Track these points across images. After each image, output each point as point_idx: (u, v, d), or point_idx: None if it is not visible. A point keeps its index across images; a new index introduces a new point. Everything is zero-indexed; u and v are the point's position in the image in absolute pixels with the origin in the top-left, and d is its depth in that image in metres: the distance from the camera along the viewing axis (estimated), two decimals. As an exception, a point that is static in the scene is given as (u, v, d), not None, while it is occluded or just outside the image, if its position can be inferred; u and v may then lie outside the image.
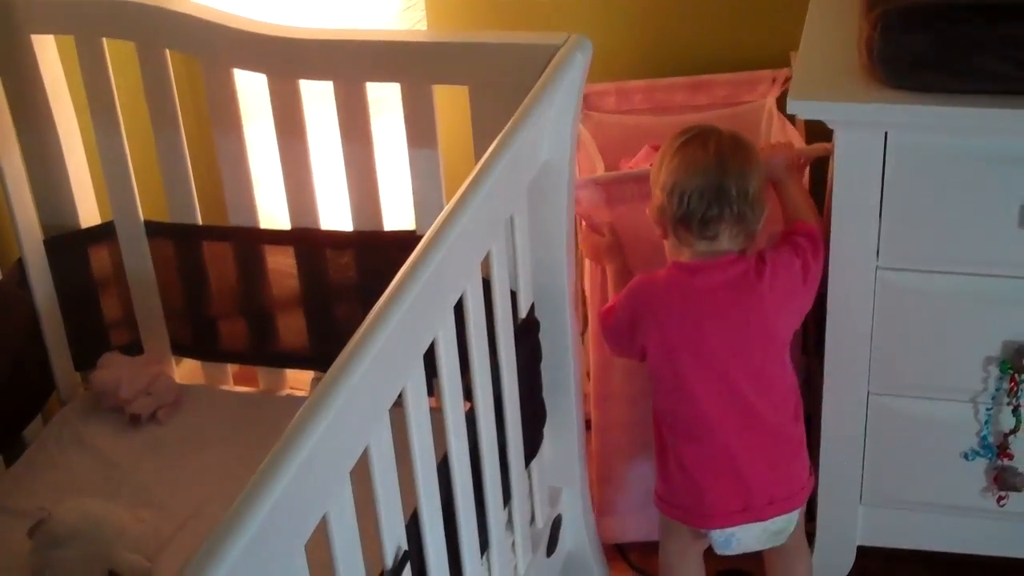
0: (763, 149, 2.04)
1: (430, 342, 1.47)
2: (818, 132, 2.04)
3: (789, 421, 1.94)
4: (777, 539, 1.99)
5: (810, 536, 2.24)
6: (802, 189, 2.02)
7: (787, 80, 2.35)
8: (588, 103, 2.43)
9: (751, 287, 1.86)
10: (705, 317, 1.87)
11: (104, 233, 2.30)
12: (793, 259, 1.89)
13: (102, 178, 2.26)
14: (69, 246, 2.28)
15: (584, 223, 2.13)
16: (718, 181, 1.82)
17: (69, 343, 2.32)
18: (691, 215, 1.83)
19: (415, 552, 1.48)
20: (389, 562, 1.42)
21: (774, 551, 2.05)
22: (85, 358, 2.33)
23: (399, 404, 1.40)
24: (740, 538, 1.96)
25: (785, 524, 1.96)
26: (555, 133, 1.82)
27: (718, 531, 1.95)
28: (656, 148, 2.28)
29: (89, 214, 2.30)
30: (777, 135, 2.25)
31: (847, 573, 2.25)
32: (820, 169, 2.20)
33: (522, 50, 1.85)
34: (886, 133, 1.83)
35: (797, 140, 2.16)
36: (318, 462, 1.16)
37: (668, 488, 1.97)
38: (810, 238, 1.91)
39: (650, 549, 2.31)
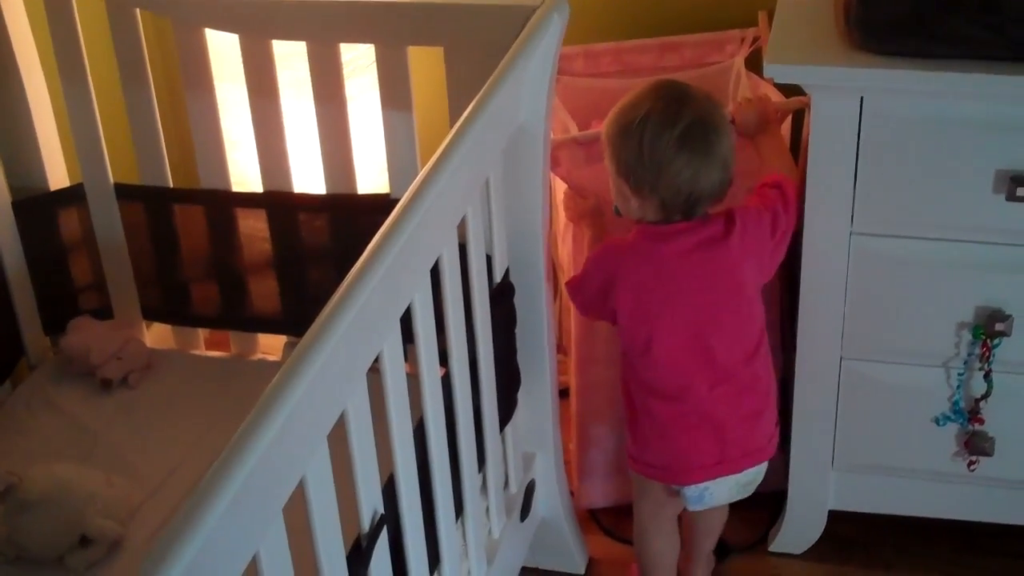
0: (746, 101, 2.04)
1: (406, 305, 1.46)
2: (790, 91, 2.04)
3: (762, 372, 1.93)
4: (746, 491, 2.00)
5: (782, 500, 2.26)
6: (778, 143, 2.01)
7: (756, 40, 2.34)
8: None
9: (720, 248, 1.84)
10: (676, 280, 1.85)
11: (73, 196, 2.27)
12: (762, 213, 1.87)
13: (71, 140, 2.23)
14: (38, 209, 2.25)
15: (567, 186, 2.12)
16: (723, 177, 1.80)
17: (38, 307, 2.30)
18: (695, 204, 1.81)
19: (391, 516, 1.48)
20: (366, 526, 1.41)
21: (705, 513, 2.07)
22: (55, 322, 2.31)
23: (374, 369, 1.39)
24: (713, 492, 1.96)
25: (755, 475, 1.97)
26: (531, 95, 1.81)
27: (690, 488, 1.96)
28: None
29: (58, 176, 2.28)
30: (748, 92, 2.24)
31: (819, 537, 2.26)
32: (800, 122, 2.19)
33: (498, 11, 1.84)
34: (862, 98, 1.83)
35: (773, 94, 2.15)
36: (296, 426, 1.15)
37: (642, 448, 1.97)
38: (780, 188, 1.90)
39: (624, 513, 2.32)
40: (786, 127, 2.18)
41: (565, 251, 2.22)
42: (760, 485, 2.02)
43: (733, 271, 1.86)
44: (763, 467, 1.97)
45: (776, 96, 2.14)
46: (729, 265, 1.85)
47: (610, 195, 1.90)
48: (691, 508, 2.00)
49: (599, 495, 2.33)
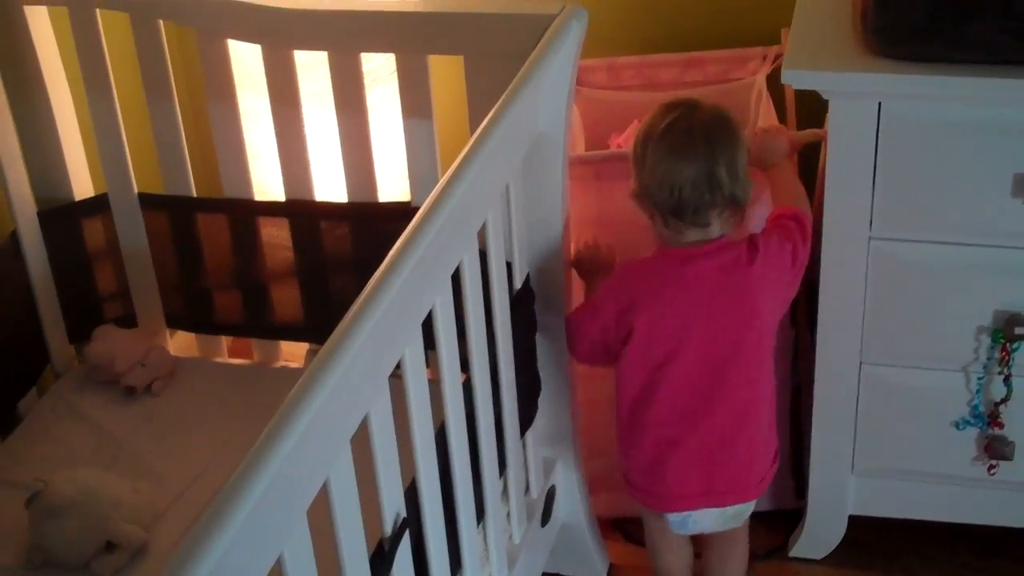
0: (762, 131, 2.04)
1: (428, 311, 1.47)
2: (809, 109, 2.05)
3: (766, 408, 1.92)
4: (735, 521, 1.99)
5: (801, 509, 2.27)
6: (792, 174, 2.01)
7: (778, 57, 2.34)
8: (578, 78, 2.40)
9: (742, 273, 1.83)
10: (696, 304, 1.84)
11: (98, 205, 2.30)
12: (784, 243, 1.86)
13: (96, 150, 2.26)
14: (63, 219, 2.28)
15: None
16: (709, 168, 1.78)
17: (63, 316, 2.32)
18: (684, 206, 1.79)
19: (413, 520, 1.49)
20: (388, 529, 1.43)
21: (716, 537, 2.06)
22: (80, 331, 2.33)
23: (395, 375, 1.40)
24: (697, 520, 1.96)
25: (744, 508, 1.97)
26: (550, 104, 1.83)
27: (673, 515, 1.96)
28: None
29: (83, 187, 2.30)
30: (765, 114, 2.25)
31: (839, 542, 2.27)
32: (807, 156, 2.20)
33: (517, 20, 1.85)
34: (880, 103, 1.84)
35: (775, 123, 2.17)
36: (320, 429, 1.17)
37: (630, 467, 1.97)
38: (799, 223, 1.89)
39: (638, 524, 2.33)
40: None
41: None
42: (773, 504, 2.02)
43: (754, 298, 1.85)
44: (751, 504, 1.96)
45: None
46: (751, 292, 1.84)
47: (616, 212, 1.92)
48: (675, 531, 2.00)
49: (618, 505, 2.33)
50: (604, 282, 1.94)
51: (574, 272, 2.02)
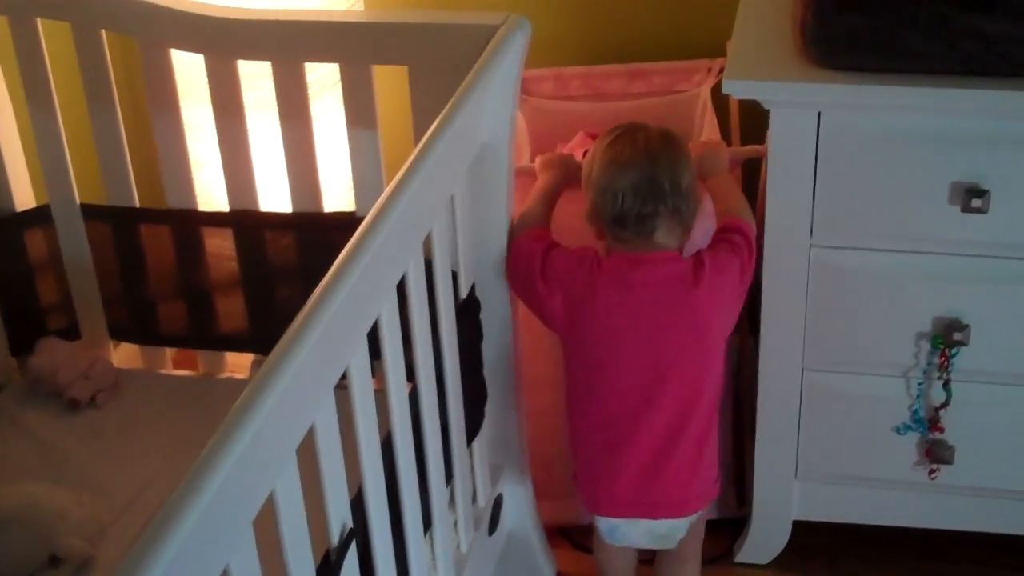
0: (702, 144, 2.06)
1: (373, 321, 1.47)
2: (753, 122, 2.07)
3: (708, 425, 1.92)
4: (663, 543, 1.99)
5: (745, 516, 2.28)
6: (732, 185, 2.03)
7: (723, 70, 2.35)
8: (525, 88, 2.44)
9: (688, 289, 1.84)
10: (637, 310, 1.85)
11: (40, 217, 2.27)
12: (732, 258, 1.87)
13: (37, 161, 2.24)
14: (4, 230, 2.25)
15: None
16: (649, 176, 1.81)
17: (5, 328, 2.29)
18: (626, 214, 1.82)
19: (360, 530, 1.49)
20: (335, 539, 1.42)
21: (665, 555, 2.06)
22: (22, 343, 2.31)
23: (341, 385, 1.40)
24: (625, 532, 1.97)
25: (669, 530, 1.96)
26: (495, 114, 1.83)
27: (603, 522, 1.97)
28: (591, 135, 2.30)
29: (24, 197, 2.28)
30: (709, 127, 2.27)
31: (784, 547, 2.29)
32: (749, 170, 2.22)
33: (461, 30, 1.86)
34: (819, 113, 1.86)
35: (717, 137, 2.19)
36: (265, 440, 1.17)
37: (576, 466, 1.98)
38: (745, 236, 1.90)
39: (582, 533, 2.35)
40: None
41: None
42: (715, 513, 2.04)
43: (701, 313, 1.85)
44: (681, 523, 1.96)
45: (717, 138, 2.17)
46: (698, 306, 1.85)
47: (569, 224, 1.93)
48: (606, 540, 2.01)
49: (561, 513, 2.34)
50: (563, 248, 1.91)
51: (508, 279, 2.00)
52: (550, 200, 1.99)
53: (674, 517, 1.94)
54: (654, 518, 1.94)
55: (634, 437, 1.89)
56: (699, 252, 1.88)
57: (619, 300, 1.85)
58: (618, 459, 1.90)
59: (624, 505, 1.94)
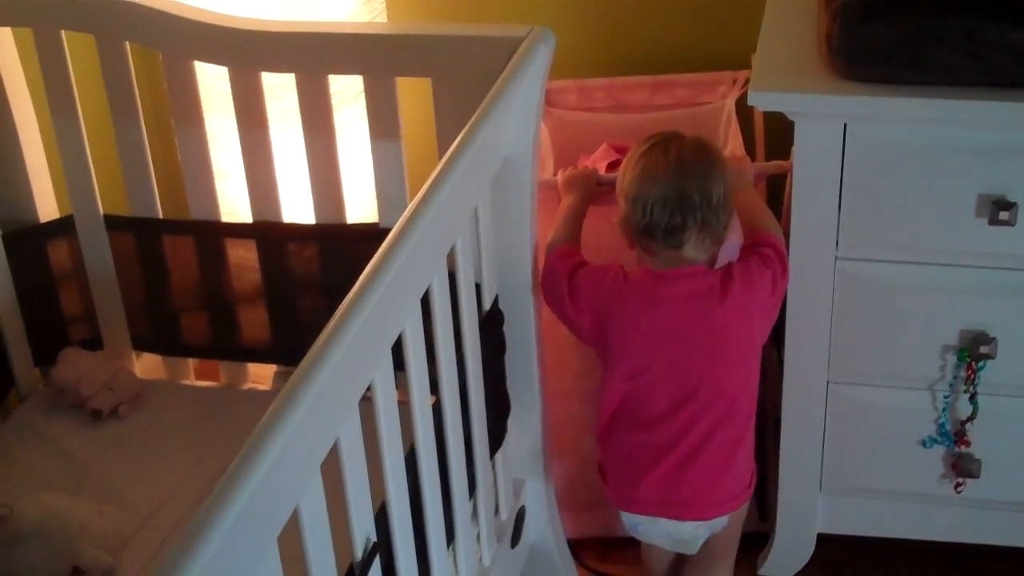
0: (730, 159, 2.05)
1: (398, 334, 1.47)
2: (777, 134, 2.06)
3: (740, 435, 1.93)
4: (683, 547, 2.00)
5: (768, 530, 2.27)
6: (759, 200, 2.02)
7: (747, 82, 2.35)
8: (549, 100, 2.44)
9: (717, 302, 1.84)
10: (667, 323, 1.86)
11: (63, 227, 2.28)
12: (763, 271, 1.87)
13: (61, 172, 2.24)
14: (28, 241, 2.26)
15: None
16: (679, 188, 1.81)
17: (28, 339, 2.30)
18: (655, 225, 1.82)
19: (384, 543, 1.49)
20: (359, 554, 1.42)
21: (697, 559, 2.05)
22: (45, 354, 2.31)
23: (365, 398, 1.40)
24: (646, 530, 1.98)
25: (691, 535, 1.97)
26: (518, 126, 1.83)
27: (627, 515, 1.97)
28: (615, 147, 2.29)
29: (48, 208, 2.28)
30: (733, 139, 2.26)
31: (808, 560, 2.27)
32: (774, 185, 2.22)
33: (485, 42, 1.86)
34: (845, 124, 1.85)
35: (740, 151, 2.18)
36: (291, 455, 1.16)
37: (606, 469, 1.99)
38: (777, 251, 1.90)
39: (606, 546, 2.34)
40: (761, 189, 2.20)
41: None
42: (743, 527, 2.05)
43: (730, 325, 1.86)
44: (699, 529, 1.96)
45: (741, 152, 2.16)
46: (727, 319, 1.85)
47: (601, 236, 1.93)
48: (629, 534, 2.02)
49: (578, 526, 2.33)
50: (590, 267, 1.92)
51: (543, 297, 2.01)
52: (577, 219, 2.00)
53: (694, 519, 1.95)
54: (675, 519, 1.94)
55: (665, 443, 1.90)
56: (729, 265, 1.88)
57: (647, 313, 1.86)
58: (648, 462, 1.91)
59: (646, 504, 1.94)
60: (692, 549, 1.99)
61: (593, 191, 2.04)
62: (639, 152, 1.88)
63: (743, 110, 2.17)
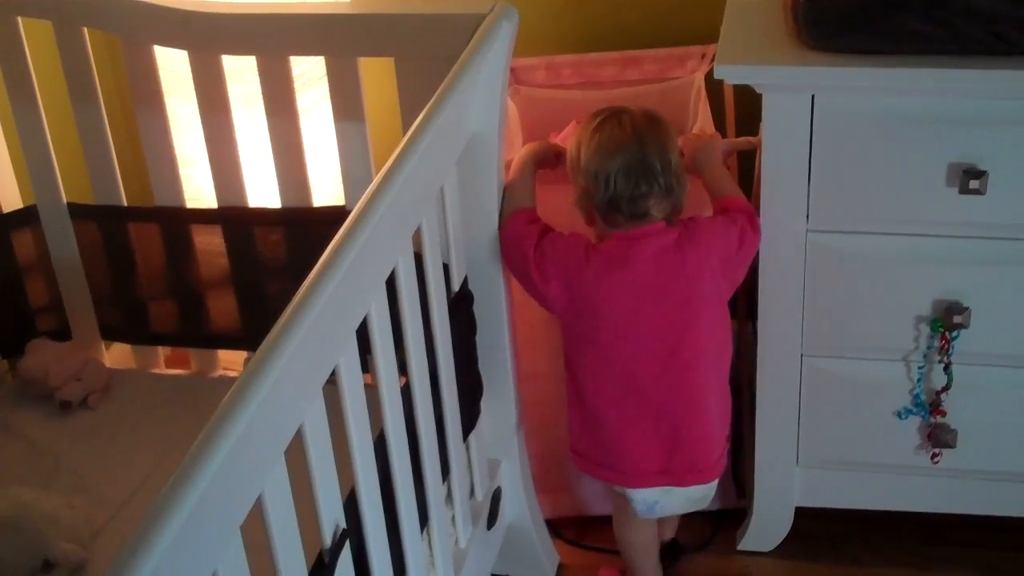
0: (695, 137, 2.05)
1: (363, 317, 1.45)
2: (748, 107, 2.04)
3: (719, 390, 1.95)
4: (699, 504, 2.01)
5: (745, 507, 2.27)
6: (727, 175, 2.02)
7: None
8: (517, 77, 2.42)
9: (683, 253, 1.85)
10: (640, 286, 1.86)
11: (27, 217, 2.25)
12: (730, 226, 1.88)
13: (23, 161, 2.21)
14: (-9, 232, 2.23)
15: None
16: (640, 156, 1.82)
17: (-6, 330, 2.28)
18: (619, 196, 1.83)
19: (353, 530, 1.47)
20: (327, 541, 1.40)
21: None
22: (12, 345, 2.29)
23: (333, 381, 1.38)
24: (664, 504, 1.98)
25: (707, 491, 1.99)
26: (483, 104, 1.81)
27: (640, 499, 1.97)
28: (583, 124, 2.27)
29: (11, 198, 2.26)
30: (703, 114, 2.24)
31: (787, 534, 2.27)
32: (744, 159, 2.20)
33: (447, 20, 1.84)
34: (813, 96, 1.84)
35: (710, 126, 2.16)
36: (251, 442, 1.14)
37: (589, 447, 1.98)
38: (744, 211, 1.91)
39: (582, 524, 2.33)
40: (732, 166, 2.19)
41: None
42: (718, 502, 2.04)
43: (698, 275, 1.87)
44: (713, 484, 1.98)
45: (711, 129, 2.15)
46: (694, 268, 1.86)
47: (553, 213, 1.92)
48: (642, 516, 2.01)
49: (555, 506, 2.32)
50: (556, 234, 1.91)
51: (504, 262, 1.98)
52: (528, 177, 1.97)
53: (708, 481, 1.96)
54: (687, 485, 1.95)
55: (655, 407, 1.90)
56: (690, 219, 1.88)
57: (621, 278, 1.86)
58: (643, 431, 1.91)
59: (654, 474, 1.94)
60: (705, 504, 2.02)
61: (544, 154, 2.00)
62: (590, 127, 1.87)
63: (713, 84, 2.15)
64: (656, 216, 1.85)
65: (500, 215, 1.92)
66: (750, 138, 2.06)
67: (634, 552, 2.11)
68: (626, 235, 1.86)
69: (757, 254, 1.96)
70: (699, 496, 1.99)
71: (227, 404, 1.13)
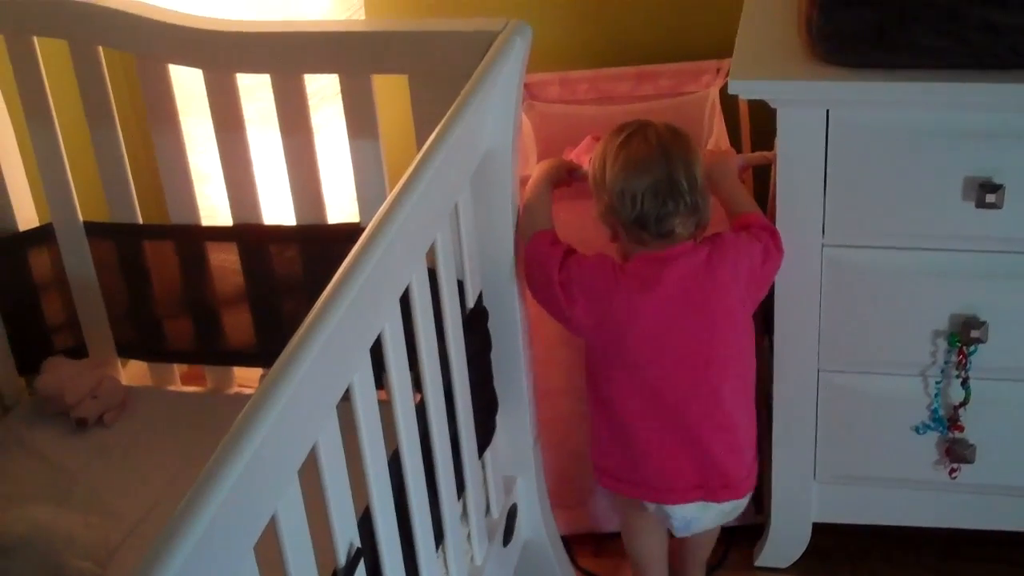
0: (710, 153, 2.04)
1: (376, 335, 1.45)
2: (763, 122, 2.03)
3: (747, 404, 1.95)
4: (730, 516, 2.01)
5: (762, 524, 2.26)
6: (744, 191, 2.02)
7: (731, 71, 2.34)
8: (532, 93, 2.42)
9: (712, 272, 1.85)
10: (672, 307, 1.85)
11: (43, 236, 2.26)
12: (753, 242, 1.88)
13: (39, 180, 2.22)
14: (8, 250, 2.24)
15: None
16: (667, 175, 1.81)
17: (12, 348, 2.28)
18: (646, 215, 1.82)
19: (368, 549, 1.47)
20: (342, 560, 1.40)
21: (691, 540, 2.10)
22: (29, 363, 2.29)
23: (347, 398, 1.38)
24: (700, 520, 1.98)
25: (740, 504, 1.99)
26: (497, 120, 1.81)
27: (679, 515, 1.96)
28: (598, 139, 2.27)
29: (27, 217, 2.26)
30: (718, 128, 2.24)
31: (804, 550, 2.26)
32: (759, 175, 2.19)
33: (461, 37, 1.84)
34: (828, 110, 1.83)
35: (724, 141, 2.16)
36: (264, 461, 1.14)
37: (615, 464, 1.97)
38: (766, 228, 1.91)
39: (596, 542, 2.32)
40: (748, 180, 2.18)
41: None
42: (738, 520, 2.05)
43: (726, 292, 1.86)
44: (746, 498, 1.99)
45: (726, 143, 2.14)
46: (722, 286, 1.86)
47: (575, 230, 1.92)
48: (678, 535, 2.01)
49: (568, 523, 2.31)
50: (580, 255, 1.90)
51: (526, 284, 1.99)
52: (548, 203, 1.97)
53: (741, 496, 1.97)
54: (722, 501, 1.95)
55: (685, 424, 1.89)
56: (714, 235, 1.88)
57: (652, 299, 1.85)
58: (675, 448, 1.91)
59: (692, 489, 1.94)
60: (735, 515, 2.02)
61: (558, 173, 2.00)
62: (615, 143, 1.86)
63: (728, 99, 2.15)
64: (682, 233, 1.84)
65: (516, 235, 1.92)
66: (765, 153, 2.05)
67: (644, 561, 2.11)
68: (656, 256, 1.85)
69: (773, 270, 1.95)
70: (730, 509, 1.99)
71: (240, 424, 1.13)
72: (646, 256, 1.86)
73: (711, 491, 1.94)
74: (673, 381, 1.88)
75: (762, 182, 2.19)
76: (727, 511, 1.99)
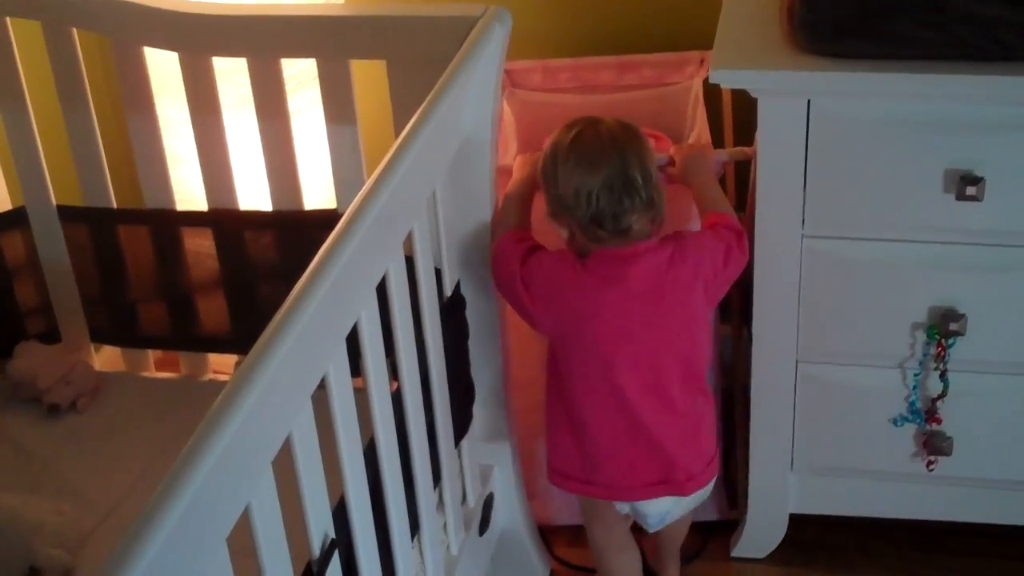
0: (688, 147, 2.03)
1: (352, 324, 1.43)
2: (746, 113, 2.03)
3: (704, 397, 1.93)
4: (699, 501, 2.01)
5: (738, 517, 2.26)
6: (718, 188, 1.99)
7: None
8: (513, 80, 2.40)
9: (674, 269, 1.82)
10: (633, 305, 1.83)
11: (16, 219, 2.24)
12: (716, 241, 1.86)
13: (12, 163, 2.19)
14: (-21, 234, 2.21)
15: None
16: (622, 170, 1.77)
17: (-18, 332, 2.26)
18: (602, 213, 1.78)
19: (343, 539, 1.45)
20: (316, 551, 1.38)
21: (666, 532, 2.09)
22: (0, 348, 2.27)
23: (321, 386, 1.36)
24: (673, 512, 1.98)
25: (703, 492, 1.98)
26: (476, 107, 1.79)
27: (653, 511, 1.96)
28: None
29: (-1, 200, 2.24)
30: (700, 120, 2.23)
31: (781, 541, 2.26)
32: (741, 168, 2.19)
33: (439, 23, 1.82)
34: (809, 101, 1.82)
35: (705, 135, 2.15)
36: (238, 452, 1.13)
37: (578, 466, 1.95)
38: (731, 228, 1.88)
39: (573, 532, 2.32)
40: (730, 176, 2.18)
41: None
42: (701, 514, 2.07)
43: (687, 291, 1.84)
44: (711, 483, 1.98)
45: (707, 137, 2.14)
46: (683, 284, 1.83)
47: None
48: (651, 530, 2.00)
49: (548, 513, 2.31)
50: (544, 252, 1.88)
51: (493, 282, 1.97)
52: (526, 201, 1.95)
53: (705, 485, 1.96)
54: (688, 493, 1.94)
55: (645, 421, 1.88)
56: (677, 233, 1.86)
57: (613, 297, 1.82)
58: (637, 446, 1.89)
59: (656, 485, 1.92)
60: (702, 500, 2.01)
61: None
62: (567, 140, 1.81)
63: (712, 90, 2.14)
64: (639, 229, 1.80)
65: (493, 231, 1.90)
66: (745, 148, 2.04)
67: (610, 553, 2.10)
68: (617, 253, 1.82)
69: (750, 262, 1.94)
70: (696, 497, 1.98)
71: (214, 414, 1.11)
72: (606, 253, 1.82)
73: (678, 485, 1.92)
74: (629, 377, 1.86)
75: (742, 178, 2.18)
76: (696, 498, 1.98)
